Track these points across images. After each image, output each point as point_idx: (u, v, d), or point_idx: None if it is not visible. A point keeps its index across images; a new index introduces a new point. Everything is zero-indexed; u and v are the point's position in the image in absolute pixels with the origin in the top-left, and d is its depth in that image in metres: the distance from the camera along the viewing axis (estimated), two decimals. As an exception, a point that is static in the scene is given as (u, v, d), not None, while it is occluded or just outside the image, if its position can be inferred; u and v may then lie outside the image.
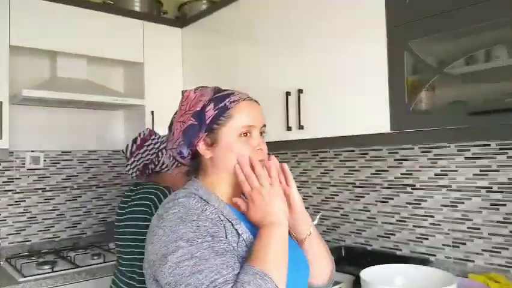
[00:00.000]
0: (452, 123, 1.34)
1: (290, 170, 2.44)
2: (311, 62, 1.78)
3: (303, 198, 2.24)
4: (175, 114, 0.99)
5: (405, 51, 1.44)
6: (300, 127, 1.81)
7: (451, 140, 1.58)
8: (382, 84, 1.51)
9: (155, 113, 2.39)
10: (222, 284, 0.74)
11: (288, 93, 1.85)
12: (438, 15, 1.35)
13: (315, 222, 1.97)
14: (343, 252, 2.00)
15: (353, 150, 2.04)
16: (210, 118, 0.91)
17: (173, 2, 2.79)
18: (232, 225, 0.87)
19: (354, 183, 2.04)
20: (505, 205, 1.53)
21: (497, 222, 1.55)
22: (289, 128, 1.85)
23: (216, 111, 0.91)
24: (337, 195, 2.12)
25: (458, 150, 1.64)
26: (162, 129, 2.35)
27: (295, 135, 1.84)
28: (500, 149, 1.53)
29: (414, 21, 1.41)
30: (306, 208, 2.31)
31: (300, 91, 1.81)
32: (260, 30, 2.02)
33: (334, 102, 1.70)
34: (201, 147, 0.93)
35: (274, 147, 1.98)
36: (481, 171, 1.58)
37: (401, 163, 1.84)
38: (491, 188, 1.56)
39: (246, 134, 0.92)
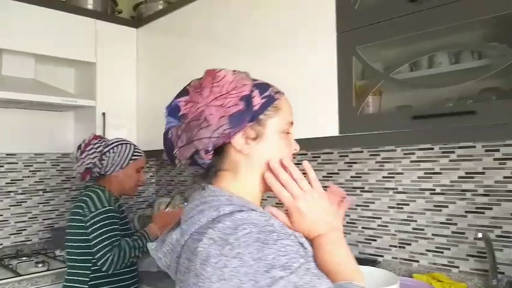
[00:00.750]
0: (398, 127, 1.38)
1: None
2: (265, 66, 1.79)
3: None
4: (182, 95, 0.79)
5: (353, 57, 1.47)
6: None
7: (397, 143, 1.63)
8: (332, 89, 1.54)
9: (107, 115, 2.32)
10: None
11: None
12: (384, 22, 1.39)
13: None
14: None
15: (306, 154, 2.07)
16: (259, 106, 0.76)
17: (128, 1, 2.73)
18: (296, 237, 0.72)
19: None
20: (447, 206, 1.60)
21: (440, 223, 1.61)
22: (242, 131, 1.85)
23: (264, 100, 0.76)
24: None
25: (404, 154, 1.70)
26: (114, 131, 2.30)
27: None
28: (443, 152, 1.60)
29: (362, 28, 1.45)
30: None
31: (253, 94, 1.81)
32: (217, 32, 2.01)
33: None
34: (239, 140, 0.75)
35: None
36: (425, 173, 1.64)
37: (351, 166, 1.88)
38: (434, 190, 1.62)
39: (287, 132, 0.80)
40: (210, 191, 0.75)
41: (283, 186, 0.75)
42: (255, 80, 0.81)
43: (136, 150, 1.77)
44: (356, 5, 1.47)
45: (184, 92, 0.79)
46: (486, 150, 1.50)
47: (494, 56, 1.28)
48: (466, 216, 1.55)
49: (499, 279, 1.41)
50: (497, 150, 1.48)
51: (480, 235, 1.36)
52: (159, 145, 2.49)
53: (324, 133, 1.57)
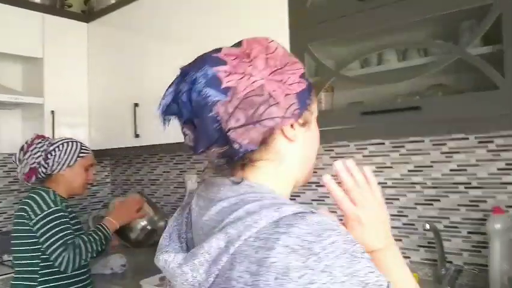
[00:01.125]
0: (349, 123, 1.41)
1: (203, 171, 2.42)
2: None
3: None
4: (218, 63, 0.61)
5: (305, 53, 1.48)
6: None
7: (349, 139, 1.67)
8: (286, 85, 1.54)
9: (57, 113, 2.22)
10: None
11: (196, 93, 1.82)
12: (335, 20, 1.41)
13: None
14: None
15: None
16: (308, 88, 0.66)
17: (78, -5, 2.62)
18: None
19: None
20: (398, 199, 1.65)
21: (392, 215, 1.66)
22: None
23: (307, 84, 0.66)
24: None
25: (357, 149, 1.74)
26: (65, 130, 2.21)
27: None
28: (394, 147, 1.65)
29: (313, 25, 1.46)
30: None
31: (208, 91, 1.79)
32: (171, 28, 1.96)
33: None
34: (288, 127, 0.64)
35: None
36: (377, 168, 1.69)
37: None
38: (386, 183, 1.67)
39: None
40: (246, 186, 0.61)
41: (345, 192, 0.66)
42: None
43: (83, 147, 1.71)
44: (307, 3, 1.47)
45: (216, 60, 0.62)
46: (434, 145, 1.56)
47: (439, 53, 1.32)
48: (415, 208, 1.61)
49: (447, 268, 1.47)
50: (444, 144, 1.54)
51: (428, 226, 1.41)
52: (114, 144, 2.43)
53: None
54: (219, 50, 0.65)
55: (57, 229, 1.52)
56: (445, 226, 1.54)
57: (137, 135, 2.09)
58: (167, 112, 0.64)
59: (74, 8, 2.56)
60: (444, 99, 1.29)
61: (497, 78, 1.13)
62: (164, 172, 2.53)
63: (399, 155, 1.63)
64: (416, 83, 1.38)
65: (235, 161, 0.62)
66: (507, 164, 1.42)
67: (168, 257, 0.61)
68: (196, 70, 0.62)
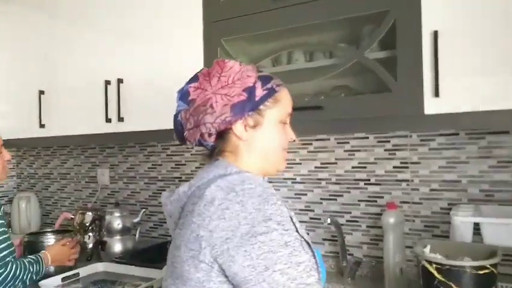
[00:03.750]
0: (260, 120, 1.42)
1: (117, 165, 2.32)
2: (133, 52, 1.70)
3: (131, 195, 2.18)
4: (193, 81, 0.85)
5: (219, 48, 1.48)
6: (120, 119, 1.72)
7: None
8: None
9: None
10: (315, 284, 0.71)
11: (107, 82, 1.74)
12: (248, 16, 1.41)
13: (138, 219, 1.91)
14: (168, 247, 1.98)
15: (180, 144, 2.03)
16: (260, 97, 0.83)
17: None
18: (291, 217, 0.76)
19: (181, 178, 2.04)
20: (306, 194, 1.71)
21: (300, 210, 1.72)
22: (108, 120, 1.74)
23: (265, 92, 0.83)
24: (164, 190, 2.09)
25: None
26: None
27: (115, 127, 1.75)
28: (303, 144, 1.70)
29: (227, 20, 1.46)
30: (132, 205, 2.22)
31: (120, 81, 1.72)
32: (84, 14, 1.85)
33: (155, 94, 1.65)
34: (239, 127, 0.83)
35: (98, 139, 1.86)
36: (287, 164, 1.72)
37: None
38: (295, 179, 1.72)
39: (285, 122, 0.89)
40: (220, 161, 0.84)
41: None
42: (260, 71, 0.87)
43: None
44: (221, -2, 1.47)
45: (195, 78, 0.85)
46: (338, 143, 1.64)
47: (342, 56, 1.38)
48: (321, 203, 1.68)
49: (348, 261, 1.55)
50: (347, 143, 1.62)
51: (329, 220, 1.47)
52: (19, 133, 2.23)
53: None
54: (202, 69, 0.87)
55: None
56: (347, 220, 1.63)
57: (42, 125, 1.95)
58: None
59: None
60: (344, 99, 1.35)
61: (390, 81, 1.21)
62: (75, 166, 2.39)
63: (307, 152, 1.69)
64: (321, 83, 1.43)
65: (210, 150, 0.87)
66: (402, 163, 1.52)
67: (162, 196, 0.89)
68: (183, 86, 0.87)
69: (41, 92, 1.95)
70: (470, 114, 1.12)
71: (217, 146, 0.85)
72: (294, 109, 1.32)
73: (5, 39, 2.14)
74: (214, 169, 0.82)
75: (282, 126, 0.88)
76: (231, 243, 0.69)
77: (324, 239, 1.68)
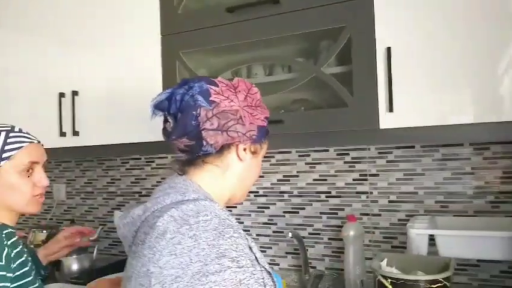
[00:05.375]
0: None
1: (74, 180, 2.22)
2: (90, 63, 1.65)
3: (88, 210, 2.10)
4: (211, 84, 0.81)
5: (177, 61, 1.45)
6: (75, 133, 1.66)
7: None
8: (157, 92, 1.48)
9: None
10: None
11: (61, 95, 1.68)
12: (205, 29, 1.40)
13: (95, 236, 1.83)
14: (128, 265, 1.91)
15: (140, 158, 1.99)
16: (267, 130, 0.87)
17: None
18: (247, 240, 0.74)
19: (141, 192, 1.98)
20: (268, 207, 1.70)
21: (263, 223, 1.70)
22: (63, 134, 1.68)
23: (267, 127, 0.88)
24: (123, 205, 2.03)
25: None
26: None
27: (69, 141, 1.68)
28: (265, 157, 1.68)
29: (184, 33, 1.44)
30: (90, 221, 2.12)
31: (74, 93, 1.65)
32: (36, 20, 1.77)
33: (112, 107, 1.60)
34: (243, 150, 0.84)
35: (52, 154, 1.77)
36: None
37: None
38: (258, 192, 1.71)
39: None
40: (182, 180, 0.82)
41: None
42: None
43: (12, 135, 1.10)
44: (179, 9, 1.45)
45: (210, 81, 0.82)
46: (299, 156, 1.64)
47: (300, 70, 1.39)
48: (284, 216, 1.67)
49: (310, 274, 1.55)
50: (308, 155, 1.62)
51: (290, 234, 1.47)
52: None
53: (152, 137, 1.51)
54: (215, 76, 0.86)
55: None
56: (309, 233, 1.63)
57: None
58: (157, 106, 0.82)
59: None
60: (304, 114, 1.35)
61: (346, 96, 1.22)
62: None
63: (270, 164, 1.69)
64: (281, 97, 1.43)
65: (194, 156, 0.82)
66: (361, 175, 1.54)
67: (115, 217, 0.85)
68: (195, 82, 0.81)
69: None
70: (423, 128, 1.14)
71: (209, 157, 0.82)
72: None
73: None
74: (172, 193, 0.78)
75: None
76: (181, 283, 0.65)
77: (287, 253, 1.67)
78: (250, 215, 1.72)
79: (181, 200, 0.75)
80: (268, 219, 1.70)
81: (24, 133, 1.11)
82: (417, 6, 1.15)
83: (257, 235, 1.71)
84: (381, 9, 1.18)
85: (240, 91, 0.83)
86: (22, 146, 1.07)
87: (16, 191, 1.06)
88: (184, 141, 0.81)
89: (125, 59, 1.57)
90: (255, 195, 1.72)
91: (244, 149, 0.84)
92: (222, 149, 0.82)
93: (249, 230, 1.72)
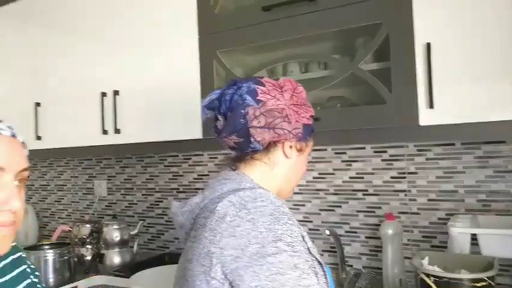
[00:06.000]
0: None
1: (114, 176, 2.31)
2: (128, 63, 1.70)
3: (128, 206, 2.17)
4: (258, 84, 0.85)
5: (214, 60, 1.48)
6: (117, 131, 1.72)
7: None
8: (195, 92, 1.52)
9: None
10: None
11: (103, 94, 1.74)
12: (242, 29, 1.42)
13: (135, 231, 1.89)
14: (167, 260, 1.97)
15: (177, 156, 2.04)
16: (312, 128, 0.91)
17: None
18: (303, 237, 0.76)
19: (179, 189, 2.03)
20: (304, 205, 1.70)
21: (299, 221, 1.70)
22: (105, 132, 1.74)
23: (312, 126, 0.91)
24: (161, 201, 2.09)
25: (267, 156, 1.77)
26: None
27: (111, 139, 1.74)
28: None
29: (221, 32, 1.46)
30: (130, 216, 2.21)
31: (116, 92, 1.72)
32: (79, 24, 1.86)
33: (151, 105, 1.65)
34: (289, 148, 0.87)
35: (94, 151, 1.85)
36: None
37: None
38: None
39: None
40: (235, 173, 0.85)
41: None
42: None
43: None
44: (216, 9, 1.47)
45: (257, 81, 0.86)
46: (335, 153, 1.63)
47: (336, 67, 1.38)
48: (320, 214, 1.67)
49: (347, 272, 1.54)
50: (345, 153, 1.61)
51: (328, 232, 1.47)
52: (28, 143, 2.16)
53: (189, 135, 1.55)
54: (262, 77, 0.89)
55: None
56: (346, 231, 1.62)
57: (38, 137, 1.95)
58: (208, 106, 0.87)
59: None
60: (341, 110, 1.35)
61: (385, 93, 1.21)
62: (72, 177, 2.39)
63: (305, 162, 1.69)
64: (317, 94, 1.43)
65: (243, 153, 0.86)
66: (399, 173, 1.52)
67: (173, 206, 0.90)
68: (243, 82, 0.85)
69: (37, 104, 1.95)
70: (464, 125, 1.12)
71: (258, 154, 0.86)
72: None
73: (0, 52, 2.15)
74: (228, 182, 0.83)
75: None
76: (240, 262, 0.69)
77: (323, 250, 1.67)
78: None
79: (238, 188, 0.80)
80: (304, 217, 1.71)
81: None
82: (456, 1, 1.12)
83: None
84: (420, 5, 1.16)
85: (286, 90, 0.87)
86: None
87: None
88: (234, 139, 0.85)
89: (164, 59, 1.61)
90: (290, 193, 1.72)
91: (290, 147, 0.87)
92: (269, 146, 0.85)
93: (284, 227, 1.73)
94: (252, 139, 0.83)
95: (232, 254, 0.70)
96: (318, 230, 1.68)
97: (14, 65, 2.09)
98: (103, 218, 2.21)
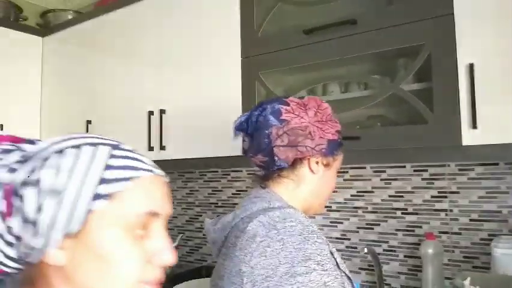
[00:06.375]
0: (296, 149, 1.46)
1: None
2: (176, 84, 1.80)
3: (169, 220, 2.24)
4: (282, 104, 0.88)
5: (256, 82, 1.54)
6: (162, 147, 1.80)
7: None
8: (236, 111, 1.58)
9: (5, 128, 2.16)
10: None
11: (150, 113, 1.84)
12: (284, 51, 1.48)
13: (175, 243, 1.96)
14: (204, 273, 2.02)
15: (217, 171, 2.10)
16: (339, 143, 0.92)
17: (34, 9, 2.59)
18: (329, 245, 0.79)
19: (217, 203, 2.09)
20: (342, 223, 1.71)
21: (336, 238, 1.72)
22: (151, 148, 1.83)
23: (339, 140, 0.92)
24: (200, 215, 2.15)
25: (305, 173, 1.80)
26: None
27: (157, 155, 1.83)
28: (339, 172, 1.71)
29: (264, 55, 1.52)
30: (170, 229, 2.27)
31: (162, 111, 1.81)
32: (128, 47, 1.98)
33: (195, 124, 1.73)
34: (314, 162, 0.89)
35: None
36: (322, 192, 1.75)
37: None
38: (330, 207, 1.73)
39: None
40: (265, 191, 0.88)
41: None
42: None
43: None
44: (259, 33, 1.54)
45: (282, 101, 0.90)
46: (374, 171, 1.64)
47: (376, 87, 1.41)
48: (357, 232, 1.68)
49: (385, 290, 1.54)
50: (384, 172, 1.62)
51: (366, 250, 1.47)
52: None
53: (229, 152, 1.61)
54: (287, 96, 0.93)
55: None
56: (384, 250, 1.62)
57: (88, 153, 2.06)
58: (237, 128, 0.92)
59: (29, 22, 2.52)
60: (380, 130, 1.37)
61: (426, 113, 1.22)
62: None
63: (343, 180, 1.71)
64: (356, 113, 1.46)
65: (269, 171, 0.89)
66: (439, 192, 1.51)
67: (206, 223, 0.95)
68: (268, 103, 0.89)
69: (89, 122, 2.08)
70: (508, 145, 1.12)
71: (284, 171, 0.89)
72: (331, 139, 1.38)
73: (55, 73, 2.31)
74: (259, 201, 0.85)
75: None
76: (271, 282, 0.71)
77: (360, 268, 1.67)
78: (323, 229, 1.75)
79: (267, 207, 0.83)
80: (341, 234, 1.72)
81: (138, 154, 0.58)
82: (500, 22, 1.14)
83: (330, 249, 1.73)
84: (463, 26, 1.18)
85: (309, 108, 0.89)
86: (134, 178, 0.53)
87: (110, 267, 0.51)
88: (260, 158, 0.89)
89: (208, 80, 1.69)
90: (327, 210, 1.74)
91: (317, 162, 0.89)
92: (295, 163, 0.88)
93: (322, 244, 1.75)
94: (275, 158, 0.86)
95: (263, 274, 0.72)
96: (355, 247, 1.68)
97: (69, 86, 2.23)
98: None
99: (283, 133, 0.86)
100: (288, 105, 0.89)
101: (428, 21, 1.22)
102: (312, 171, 0.89)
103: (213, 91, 1.68)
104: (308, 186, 0.90)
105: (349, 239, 1.70)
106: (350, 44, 1.35)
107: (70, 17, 2.40)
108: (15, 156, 0.52)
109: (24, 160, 0.51)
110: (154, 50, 1.88)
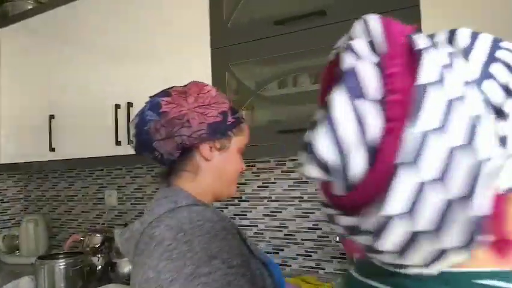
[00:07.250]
0: (268, 140, 1.47)
1: (124, 186, 2.33)
2: (143, 76, 1.75)
3: (138, 216, 2.20)
4: (165, 95, 0.87)
5: (226, 73, 1.53)
6: (130, 142, 1.76)
7: (267, 155, 1.73)
8: (207, 102, 1.57)
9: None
10: None
11: (117, 106, 1.79)
12: (254, 42, 1.47)
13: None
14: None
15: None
16: (230, 123, 0.89)
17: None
18: (244, 240, 0.80)
19: (188, 198, 2.06)
20: (313, 213, 1.74)
21: (308, 228, 1.74)
22: (118, 143, 1.78)
23: (233, 119, 0.90)
24: (171, 210, 2.12)
25: (277, 164, 1.81)
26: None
27: (125, 150, 1.78)
28: (278, 164, 1.73)
29: (234, 45, 1.51)
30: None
31: (129, 104, 1.76)
32: (92, 38, 1.91)
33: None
34: (205, 147, 0.87)
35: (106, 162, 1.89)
36: (294, 182, 1.77)
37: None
38: (302, 197, 1.75)
39: (241, 152, 0.95)
40: (172, 188, 0.86)
41: None
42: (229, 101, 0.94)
43: None
44: (228, 23, 1.53)
45: (165, 93, 0.89)
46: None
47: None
48: (329, 222, 1.70)
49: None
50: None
51: (338, 238, 1.50)
52: (28, 157, 2.24)
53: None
54: (172, 87, 0.91)
55: None
56: (355, 238, 1.65)
57: (52, 149, 1.99)
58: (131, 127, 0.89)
59: (-15, 12, 2.39)
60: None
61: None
62: (82, 188, 2.42)
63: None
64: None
65: (167, 167, 0.89)
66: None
67: (115, 235, 0.91)
68: (151, 99, 0.89)
69: (52, 116, 2.00)
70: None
71: (177, 164, 0.88)
72: (303, 130, 1.38)
73: (15, 65, 2.20)
74: (165, 203, 0.82)
75: (240, 155, 0.94)
76: (176, 285, 0.70)
77: (332, 257, 1.70)
78: (294, 220, 1.77)
79: (174, 208, 0.80)
80: (313, 224, 1.74)
81: None
82: (465, 12, 1.17)
83: (302, 239, 1.75)
84: (428, 17, 1.21)
85: (190, 94, 0.88)
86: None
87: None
88: (147, 155, 0.88)
89: (177, 72, 1.66)
90: (299, 201, 1.76)
91: (210, 148, 0.87)
92: (184, 154, 0.86)
93: (293, 235, 1.76)
94: (157, 153, 0.85)
95: (168, 278, 0.70)
96: (327, 237, 1.71)
97: (30, 78, 2.14)
98: (113, 227, 2.23)
99: (161, 126, 0.84)
100: (170, 95, 0.87)
101: (395, 12, 1.24)
102: (205, 158, 0.87)
103: (182, 83, 1.64)
104: (207, 173, 0.88)
105: (320, 229, 1.72)
106: (320, 35, 1.36)
107: (29, 7, 2.29)
108: None
109: None
110: (119, 41, 1.82)
